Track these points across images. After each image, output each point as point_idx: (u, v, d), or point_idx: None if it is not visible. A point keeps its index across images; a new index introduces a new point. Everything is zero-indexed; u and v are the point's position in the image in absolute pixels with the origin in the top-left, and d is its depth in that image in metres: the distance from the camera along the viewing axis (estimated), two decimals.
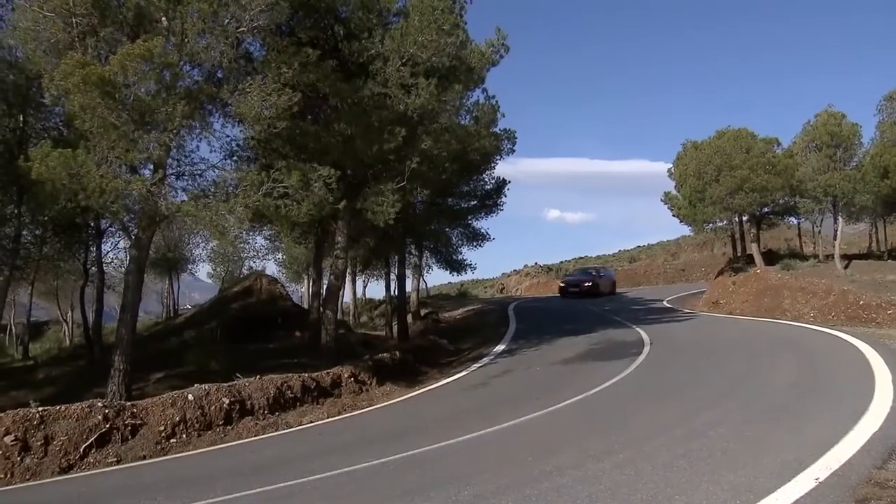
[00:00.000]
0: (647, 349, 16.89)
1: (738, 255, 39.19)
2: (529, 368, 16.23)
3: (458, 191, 27.77)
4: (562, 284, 42.95)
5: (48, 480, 9.58)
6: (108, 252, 28.28)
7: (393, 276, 30.14)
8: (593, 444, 8.24)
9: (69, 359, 27.28)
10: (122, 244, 27.89)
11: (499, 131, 26.81)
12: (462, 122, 23.42)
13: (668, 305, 33.72)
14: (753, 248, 35.77)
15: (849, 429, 7.71)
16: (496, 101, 25.79)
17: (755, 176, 30.44)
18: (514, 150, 28.01)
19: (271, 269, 44.87)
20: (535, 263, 70.21)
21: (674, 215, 36.53)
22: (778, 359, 14.06)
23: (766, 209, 35.15)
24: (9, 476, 9.57)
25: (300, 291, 45.62)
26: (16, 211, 19.04)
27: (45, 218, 21.02)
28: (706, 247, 61.73)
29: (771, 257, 36.22)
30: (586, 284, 41.00)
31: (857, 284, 24.19)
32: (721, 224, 37.42)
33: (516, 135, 27.55)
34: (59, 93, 11.91)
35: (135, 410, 11.16)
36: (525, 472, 7.23)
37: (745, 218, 36.44)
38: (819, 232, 41.27)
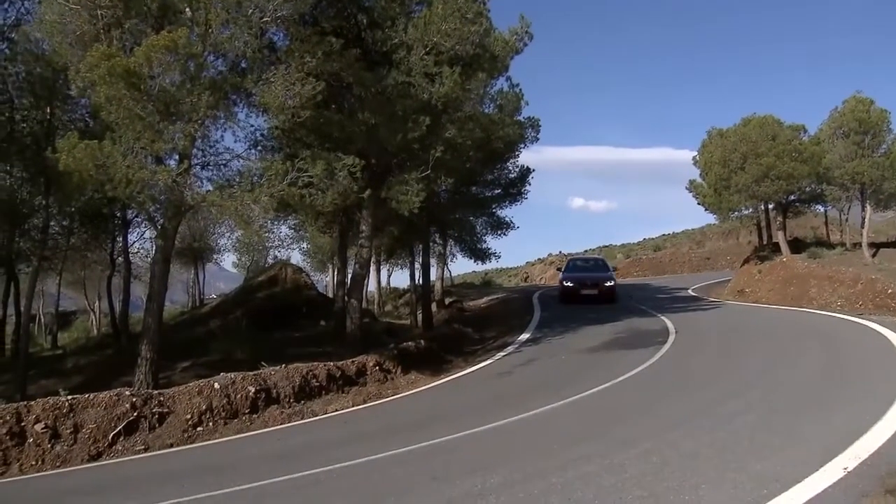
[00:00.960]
0: (672, 338, 16.81)
1: (764, 243, 38.85)
2: (554, 357, 16.19)
3: (482, 179, 27.70)
4: (568, 284, 28.88)
5: (78, 467, 9.67)
6: (134, 242, 28.59)
7: (417, 265, 30.21)
8: (619, 432, 8.23)
9: (97, 348, 27.57)
10: (148, 234, 28.10)
11: (523, 119, 26.77)
12: (486, 111, 23.40)
13: (694, 294, 33.58)
14: (779, 237, 35.46)
15: (878, 418, 7.64)
16: (520, 89, 25.74)
17: (781, 163, 30.13)
18: (537, 139, 27.98)
19: (296, 258, 44.95)
20: (560, 252, 69.96)
21: (699, 203, 36.24)
22: (805, 348, 13.96)
23: (792, 197, 34.77)
24: (40, 463, 9.68)
25: (325, 280, 45.75)
26: (44, 202, 19.26)
27: (73, 209, 21.27)
28: (731, 235, 61.27)
29: (797, 246, 35.86)
30: (607, 285, 28.09)
31: (885, 273, 23.93)
32: (747, 212, 37.06)
33: (540, 123, 27.52)
34: (85, 84, 12.00)
35: (162, 399, 11.24)
36: (551, 460, 7.23)
37: (770, 206, 36.12)
38: (846, 220, 40.86)
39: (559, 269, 33.57)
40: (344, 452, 8.63)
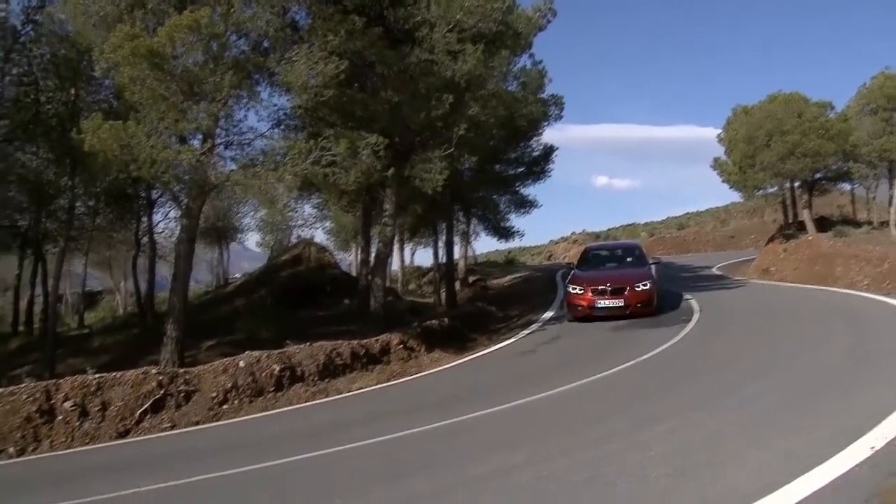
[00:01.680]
0: (696, 317, 16.71)
1: (790, 221, 38.54)
2: (577, 335, 16.17)
3: (505, 157, 27.64)
4: (574, 290, 18.24)
5: (106, 444, 9.80)
6: (159, 222, 28.74)
7: (441, 244, 30.21)
8: (643, 411, 8.20)
9: (123, 327, 27.82)
10: (172, 214, 28.24)
11: (546, 97, 26.72)
12: (509, 88, 23.31)
13: (718, 273, 33.37)
14: (805, 215, 35.21)
15: None
16: (543, 67, 25.69)
17: (807, 141, 29.83)
18: (561, 116, 27.95)
19: (320, 237, 45.05)
20: (583, 231, 69.85)
21: (723, 181, 36.06)
22: (830, 327, 13.82)
23: (818, 175, 34.49)
24: (69, 440, 9.82)
25: (348, 259, 45.84)
26: (69, 183, 19.39)
27: (98, 189, 21.44)
28: (756, 213, 60.86)
29: (823, 224, 35.57)
30: (640, 287, 17.60)
31: None
32: (772, 190, 36.84)
33: (563, 100, 27.43)
34: (109, 65, 12.04)
35: (188, 377, 11.35)
36: (575, 438, 7.24)
37: (796, 184, 35.87)
38: (874, 198, 40.52)
39: (571, 267, 21.62)
40: (368, 430, 8.68)
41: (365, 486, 6.47)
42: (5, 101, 18.25)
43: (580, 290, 17.96)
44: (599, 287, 17.69)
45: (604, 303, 17.46)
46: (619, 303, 17.36)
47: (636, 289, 17.45)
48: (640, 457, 6.28)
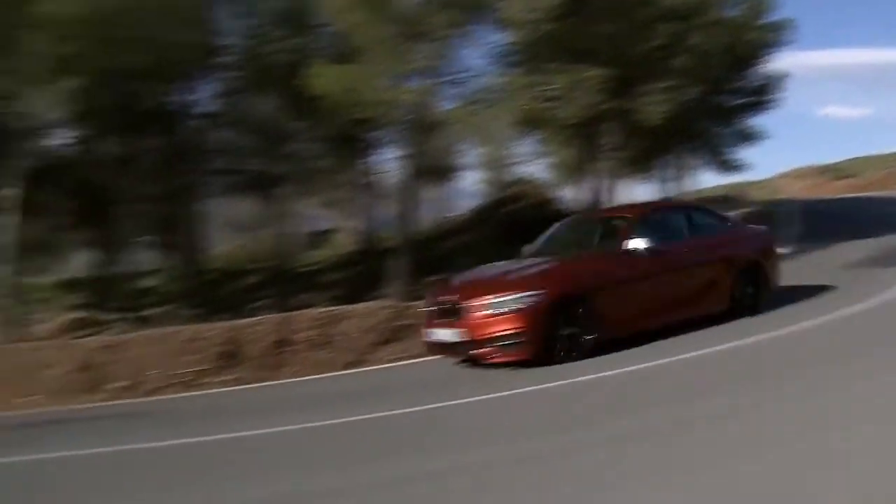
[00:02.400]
0: None
1: None
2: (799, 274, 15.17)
3: (728, 87, 26.40)
4: (429, 306, 9.84)
5: (339, 373, 10.40)
6: (382, 162, 29.59)
7: (662, 178, 29.52)
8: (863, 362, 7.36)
9: (348, 264, 29.02)
10: (395, 154, 29.06)
11: (772, 22, 25.18)
12: (732, 14, 22.20)
13: None
14: None
15: None
16: None
17: None
18: (791, 42, 26.17)
19: (539, 173, 45.04)
20: (810, 164, 66.19)
21: None
22: None
23: None
24: (304, 369, 10.46)
25: (569, 195, 45.58)
26: (297, 127, 20.32)
27: (323, 133, 22.32)
28: None
29: None
30: (498, 309, 8.50)
31: None
32: None
33: (792, 24, 25.75)
34: (332, 12, 12.47)
35: (413, 311, 11.70)
36: (768, 390, 6.71)
37: None
38: None
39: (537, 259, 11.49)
40: (595, 364, 8.59)
41: (601, 417, 6.46)
42: (240, 54, 19.25)
43: (435, 306, 9.68)
44: (442, 302, 9.52)
45: (438, 332, 9.34)
46: (453, 335, 8.96)
47: (484, 311, 8.68)
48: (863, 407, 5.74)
